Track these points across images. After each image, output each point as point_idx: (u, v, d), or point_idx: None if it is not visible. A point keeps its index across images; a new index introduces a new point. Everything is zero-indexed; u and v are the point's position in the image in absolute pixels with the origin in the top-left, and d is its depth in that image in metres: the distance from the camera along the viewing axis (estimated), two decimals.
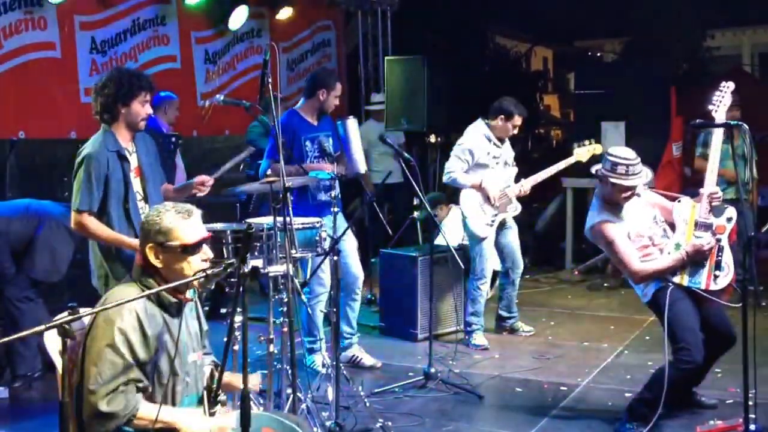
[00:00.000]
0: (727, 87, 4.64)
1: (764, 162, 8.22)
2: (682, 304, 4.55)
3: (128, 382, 2.94)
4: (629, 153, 4.70)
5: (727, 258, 4.57)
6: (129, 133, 4.40)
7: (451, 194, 6.55)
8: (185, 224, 3.13)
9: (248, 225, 3.30)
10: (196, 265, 3.12)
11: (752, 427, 4.12)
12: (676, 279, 4.57)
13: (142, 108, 4.36)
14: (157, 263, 3.10)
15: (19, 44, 6.66)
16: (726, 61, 21.29)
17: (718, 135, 4.72)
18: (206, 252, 3.19)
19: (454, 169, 6.57)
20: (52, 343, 2.97)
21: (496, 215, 6.62)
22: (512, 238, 6.78)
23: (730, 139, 4.47)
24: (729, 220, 4.58)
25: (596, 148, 6.80)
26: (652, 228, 4.72)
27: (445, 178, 6.68)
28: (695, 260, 4.55)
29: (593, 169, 4.83)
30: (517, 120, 6.62)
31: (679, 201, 4.68)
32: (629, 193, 4.69)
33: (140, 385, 2.99)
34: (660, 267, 4.59)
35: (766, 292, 7.52)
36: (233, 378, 3.41)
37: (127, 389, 2.94)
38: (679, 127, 9.46)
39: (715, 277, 4.55)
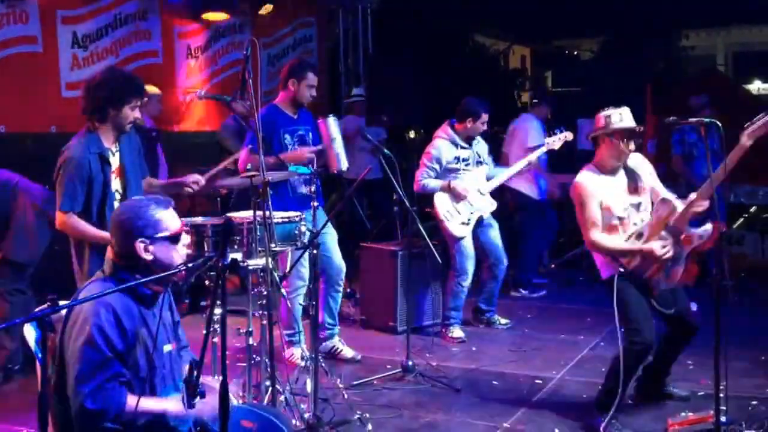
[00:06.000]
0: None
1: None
2: (633, 288, 4.61)
3: (111, 378, 2.93)
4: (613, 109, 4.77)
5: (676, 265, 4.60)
6: (114, 134, 4.41)
7: None
8: (168, 214, 3.16)
9: (227, 219, 3.31)
10: (183, 252, 3.17)
11: (723, 419, 4.20)
12: (626, 261, 4.61)
13: (131, 112, 4.37)
14: (147, 257, 3.09)
15: (1, 38, 6.63)
16: (701, 60, 21.52)
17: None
18: (185, 238, 3.23)
19: (422, 177, 6.66)
20: (32, 335, 2.97)
21: (472, 213, 6.70)
22: (493, 235, 6.87)
23: (704, 138, 4.44)
24: (700, 237, 4.55)
25: (567, 135, 6.93)
26: (628, 211, 4.70)
27: (415, 187, 6.72)
28: (645, 258, 4.58)
29: (590, 136, 4.85)
30: (485, 117, 6.73)
31: (663, 200, 4.65)
32: (627, 149, 4.71)
33: (122, 379, 2.97)
34: (614, 247, 4.64)
35: (737, 288, 7.60)
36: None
37: (110, 385, 2.92)
38: (654, 124, 9.58)
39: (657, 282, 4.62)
